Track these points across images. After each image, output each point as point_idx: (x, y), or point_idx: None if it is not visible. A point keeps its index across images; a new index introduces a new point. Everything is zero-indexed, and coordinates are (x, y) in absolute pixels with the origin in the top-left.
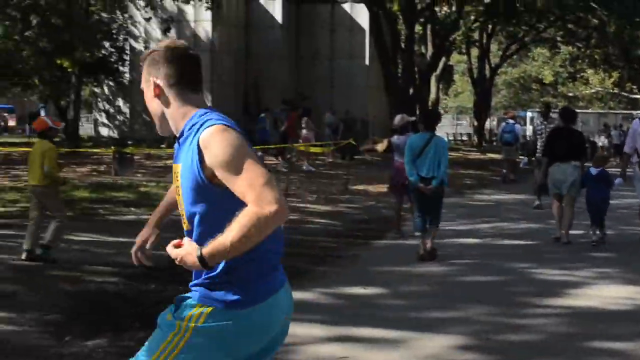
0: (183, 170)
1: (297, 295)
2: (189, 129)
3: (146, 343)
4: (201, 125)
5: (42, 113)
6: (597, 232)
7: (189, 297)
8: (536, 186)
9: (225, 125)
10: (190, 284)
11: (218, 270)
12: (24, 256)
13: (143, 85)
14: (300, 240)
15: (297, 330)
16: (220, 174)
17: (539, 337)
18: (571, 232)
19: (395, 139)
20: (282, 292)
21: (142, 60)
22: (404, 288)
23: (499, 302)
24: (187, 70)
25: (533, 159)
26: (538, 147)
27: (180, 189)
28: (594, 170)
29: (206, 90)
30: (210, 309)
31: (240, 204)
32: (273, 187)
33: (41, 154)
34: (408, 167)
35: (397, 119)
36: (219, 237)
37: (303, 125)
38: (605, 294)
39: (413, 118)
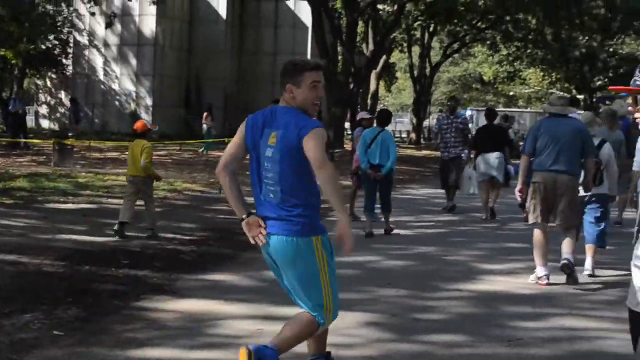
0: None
1: (224, 277)
2: None
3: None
4: None
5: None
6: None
7: None
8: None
9: None
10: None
11: None
12: (116, 227)
13: None
14: (232, 228)
15: (222, 307)
16: None
17: (442, 317)
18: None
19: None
20: (270, 237)
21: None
22: None
23: (410, 286)
24: None
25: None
26: (446, 142)
27: None
28: None
29: (149, 83)
30: None
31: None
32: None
33: (141, 151)
34: (361, 156)
35: (362, 114)
36: None
37: None
38: (512, 280)
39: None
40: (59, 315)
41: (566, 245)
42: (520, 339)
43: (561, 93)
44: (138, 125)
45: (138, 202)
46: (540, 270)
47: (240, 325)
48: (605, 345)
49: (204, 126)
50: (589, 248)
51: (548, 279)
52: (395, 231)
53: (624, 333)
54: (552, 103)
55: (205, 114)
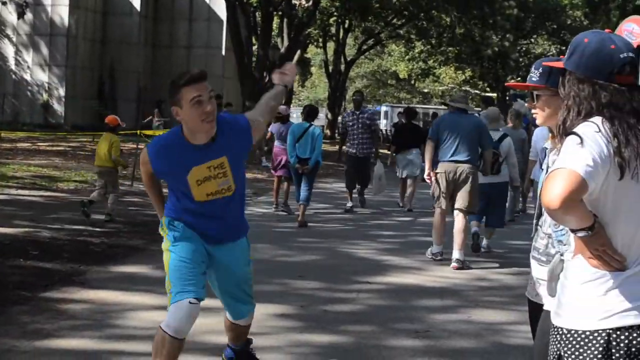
0: (232, 158)
1: (135, 268)
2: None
3: None
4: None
5: None
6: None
7: None
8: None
9: None
10: None
11: None
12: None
13: None
14: (143, 220)
15: (131, 299)
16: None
17: (351, 308)
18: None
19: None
20: None
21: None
22: None
23: (321, 278)
24: None
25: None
26: (353, 139)
27: (228, 171)
28: None
29: (61, 74)
30: None
31: None
32: None
33: (110, 144)
34: (289, 149)
35: (282, 109)
36: None
37: None
38: (422, 273)
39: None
40: None
41: (459, 240)
42: (428, 331)
43: (470, 90)
44: (110, 119)
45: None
46: (435, 248)
47: (150, 317)
48: (510, 337)
49: (155, 123)
50: (488, 230)
51: (441, 255)
52: (310, 224)
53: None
54: (456, 100)
55: (156, 110)
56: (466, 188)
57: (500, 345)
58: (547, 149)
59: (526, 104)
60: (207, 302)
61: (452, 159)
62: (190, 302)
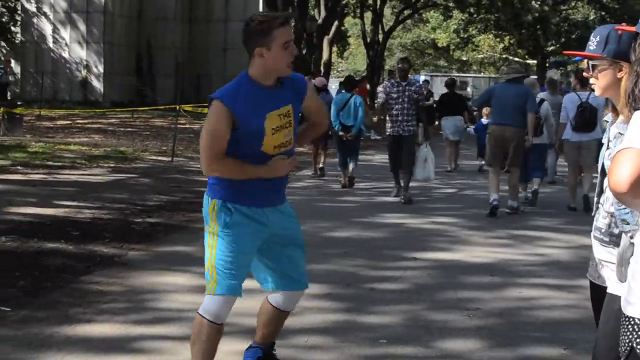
0: (294, 108)
1: (176, 248)
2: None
3: None
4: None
5: None
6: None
7: None
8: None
9: None
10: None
11: None
12: None
13: None
14: (184, 198)
15: (173, 280)
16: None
17: (399, 286)
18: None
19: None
20: None
21: None
22: None
23: (367, 255)
24: None
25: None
26: (397, 115)
27: (292, 120)
28: (484, 121)
29: (100, 52)
30: None
31: None
32: None
33: None
34: (333, 119)
35: (318, 80)
36: None
37: None
38: (470, 248)
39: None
40: (7, 290)
41: (511, 192)
42: (478, 309)
43: (516, 59)
44: None
45: None
46: (491, 198)
47: (192, 298)
48: (564, 313)
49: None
50: (535, 181)
51: (497, 202)
52: (349, 197)
53: (584, 301)
54: (509, 72)
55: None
56: (512, 147)
57: (554, 322)
58: (607, 121)
59: (584, 72)
60: (246, 284)
61: (499, 122)
62: (232, 295)
